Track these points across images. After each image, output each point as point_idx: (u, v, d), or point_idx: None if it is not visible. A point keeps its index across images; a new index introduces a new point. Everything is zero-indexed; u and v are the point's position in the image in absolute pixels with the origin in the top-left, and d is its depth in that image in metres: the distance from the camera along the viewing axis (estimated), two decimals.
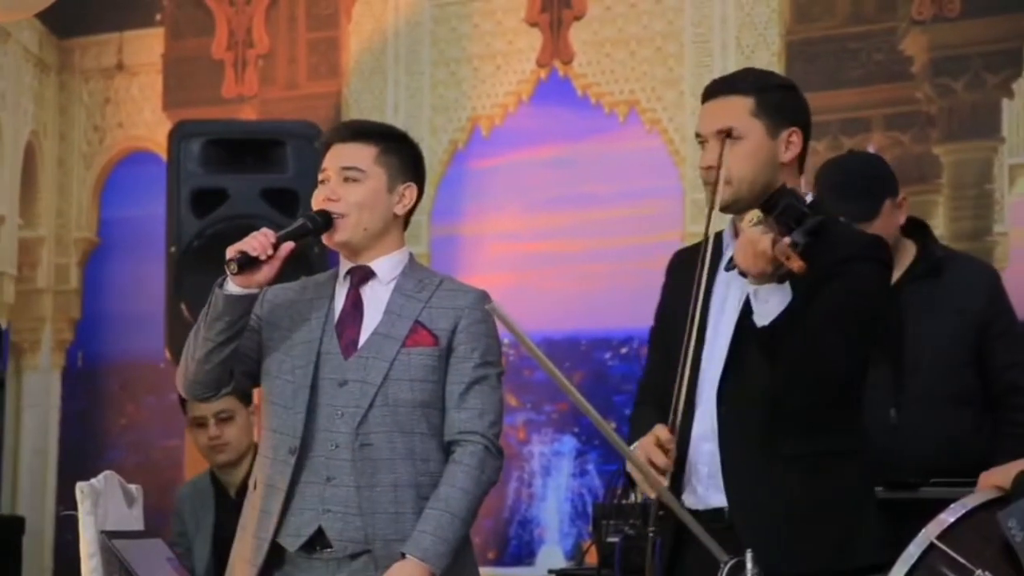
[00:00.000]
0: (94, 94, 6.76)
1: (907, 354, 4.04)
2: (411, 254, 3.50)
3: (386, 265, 3.42)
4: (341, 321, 3.39)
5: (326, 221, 3.37)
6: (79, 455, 6.49)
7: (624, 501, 4.78)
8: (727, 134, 3.21)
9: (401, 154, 3.46)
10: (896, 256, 4.03)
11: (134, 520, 4.75)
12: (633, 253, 5.68)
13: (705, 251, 3.22)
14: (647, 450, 3.12)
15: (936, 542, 3.13)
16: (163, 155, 5.95)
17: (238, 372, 3.41)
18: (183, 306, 5.05)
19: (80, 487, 4.60)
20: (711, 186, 3.22)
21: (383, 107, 6.27)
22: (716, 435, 3.18)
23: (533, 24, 6.06)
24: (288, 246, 3.31)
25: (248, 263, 3.26)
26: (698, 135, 3.29)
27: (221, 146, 5.30)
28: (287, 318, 3.40)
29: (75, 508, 4.60)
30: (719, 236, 3.34)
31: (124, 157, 6.70)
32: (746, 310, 3.17)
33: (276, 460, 3.35)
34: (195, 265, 5.05)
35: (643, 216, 5.75)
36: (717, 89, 3.32)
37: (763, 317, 3.07)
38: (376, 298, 3.41)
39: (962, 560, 3.10)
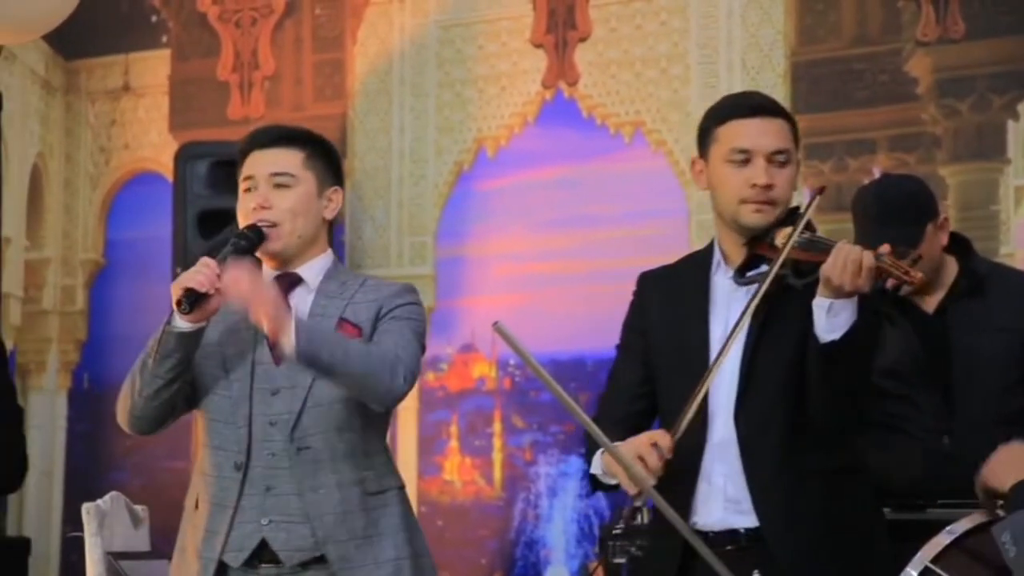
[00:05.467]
0: (100, 115, 6.78)
1: (959, 376, 3.92)
2: (335, 257, 3.45)
3: (313, 270, 3.38)
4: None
5: (259, 236, 3.31)
6: (85, 476, 6.49)
7: (631, 523, 4.78)
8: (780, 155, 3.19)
9: (326, 158, 3.42)
10: (939, 276, 4.00)
11: (140, 541, 4.76)
12: (639, 274, 5.67)
13: (773, 264, 3.14)
14: (639, 448, 3.06)
15: (931, 565, 3.13)
16: (169, 176, 5.97)
17: (181, 400, 3.36)
18: None
19: (86, 508, 4.61)
20: (755, 204, 3.17)
21: (388, 129, 6.28)
22: (735, 453, 3.15)
23: (538, 45, 6.07)
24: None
25: (197, 300, 3.19)
26: (744, 151, 3.19)
27: (227, 167, 5.29)
28: (217, 332, 3.35)
29: (81, 529, 4.61)
30: (700, 256, 3.32)
31: (130, 178, 6.71)
32: (758, 326, 3.14)
33: (221, 477, 3.31)
34: None
35: (649, 237, 5.75)
36: (768, 109, 3.26)
37: (833, 331, 3.03)
38: (304, 304, 3.35)
39: None
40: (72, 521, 5.62)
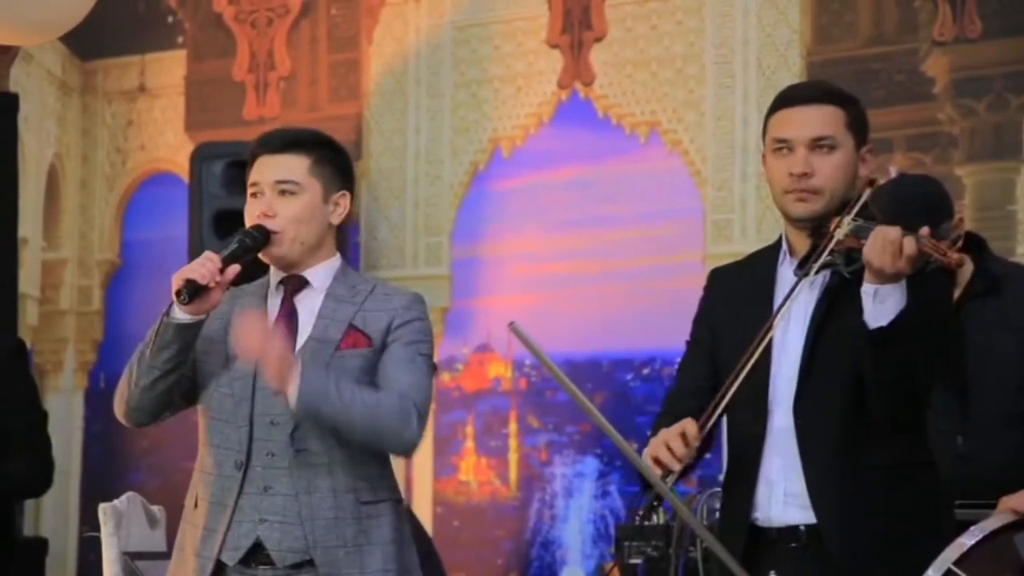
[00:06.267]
0: (116, 116, 6.79)
1: (973, 376, 3.89)
2: (343, 260, 3.44)
3: (320, 274, 3.37)
4: (276, 331, 3.31)
5: (265, 236, 3.30)
6: (102, 476, 6.51)
7: (647, 522, 4.78)
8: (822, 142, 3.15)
9: (334, 163, 3.40)
10: (954, 276, 3.99)
11: (156, 541, 4.77)
12: (654, 274, 5.68)
13: (817, 256, 3.11)
14: (666, 436, 3.05)
15: (953, 568, 3.12)
16: (185, 177, 5.99)
17: (177, 395, 3.35)
18: None
19: (103, 508, 4.62)
20: (796, 193, 3.15)
21: (404, 129, 6.28)
22: (794, 445, 3.11)
23: (554, 46, 6.07)
24: (234, 269, 3.25)
25: (197, 291, 3.20)
26: (783, 141, 3.17)
27: (242, 168, 5.29)
28: (221, 330, 3.34)
29: (98, 529, 4.62)
30: (770, 251, 3.29)
31: (146, 179, 6.73)
32: (822, 316, 3.12)
33: (221, 476, 3.30)
34: None
35: (664, 237, 5.75)
36: (810, 96, 3.22)
37: (879, 317, 2.99)
38: (310, 306, 3.34)
39: None
40: (89, 521, 5.63)
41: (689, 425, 3.05)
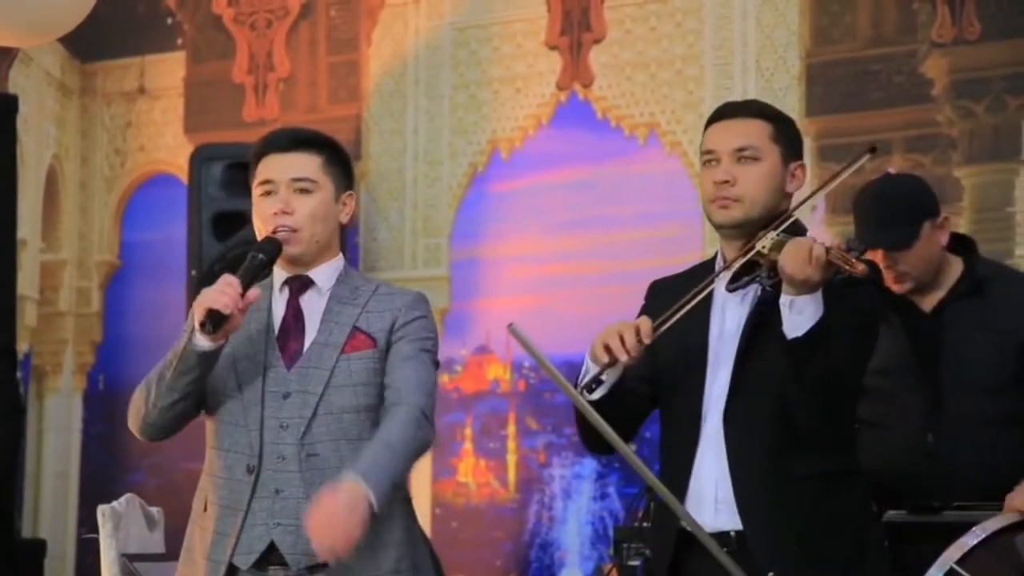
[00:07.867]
0: (116, 118, 6.79)
1: (949, 375, 3.91)
2: (346, 261, 3.45)
3: (324, 274, 3.38)
4: (283, 333, 3.35)
5: (277, 248, 3.32)
6: (100, 478, 6.50)
7: (645, 524, 4.78)
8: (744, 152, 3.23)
9: (340, 163, 3.43)
10: (941, 275, 3.99)
11: (155, 543, 4.77)
12: (653, 275, 5.63)
13: (709, 270, 3.23)
14: (620, 327, 3.13)
15: (956, 567, 3.13)
16: (184, 178, 5.99)
17: (192, 407, 3.36)
18: None
19: (102, 510, 4.62)
20: (718, 201, 3.23)
21: (403, 130, 6.28)
22: (723, 456, 3.17)
23: (553, 47, 6.08)
24: (255, 291, 3.26)
25: (221, 321, 3.20)
26: (710, 152, 3.27)
27: (242, 169, 5.29)
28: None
29: (96, 531, 4.62)
30: (709, 263, 3.36)
31: (145, 180, 6.73)
32: (752, 328, 3.17)
33: (232, 480, 3.30)
34: None
35: (663, 238, 5.76)
36: (735, 111, 3.33)
37: (796, 328, 3.05)
38: (315, 307, 3.36)
39: None
40: (87, 523, 5.64)
41: (644, 322, 3.15)
